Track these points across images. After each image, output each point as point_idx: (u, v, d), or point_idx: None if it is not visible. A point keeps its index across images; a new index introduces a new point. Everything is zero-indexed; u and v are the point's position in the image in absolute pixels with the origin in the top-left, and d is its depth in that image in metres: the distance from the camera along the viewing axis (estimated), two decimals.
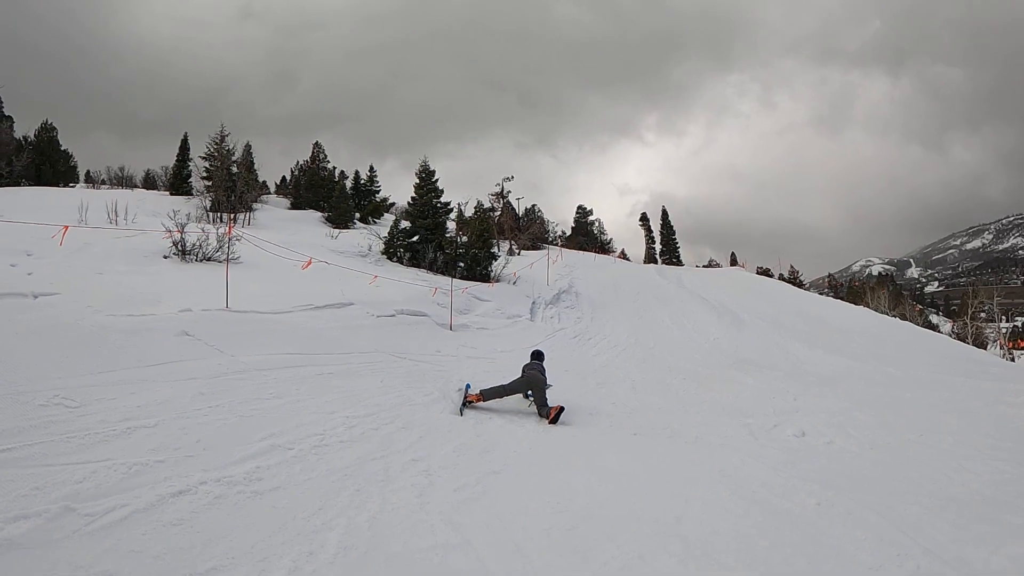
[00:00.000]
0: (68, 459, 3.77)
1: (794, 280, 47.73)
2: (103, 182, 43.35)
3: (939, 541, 3.68)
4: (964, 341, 25.34)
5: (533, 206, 46.17)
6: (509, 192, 36.96)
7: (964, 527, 3.92)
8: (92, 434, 4.20)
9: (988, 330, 35.18)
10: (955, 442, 6.13)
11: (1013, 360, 24.96)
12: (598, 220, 52.62)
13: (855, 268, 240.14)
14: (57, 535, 2.99)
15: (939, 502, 4.39)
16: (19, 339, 5.75)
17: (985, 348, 28.12)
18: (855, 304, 26.65)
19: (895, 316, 27.34)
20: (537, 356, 7.75)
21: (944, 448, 5.92)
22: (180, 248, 12.20)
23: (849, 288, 59.30)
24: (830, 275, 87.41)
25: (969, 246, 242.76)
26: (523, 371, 7.11)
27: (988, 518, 4.07)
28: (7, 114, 32.79)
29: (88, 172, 45.97)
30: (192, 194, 27.04)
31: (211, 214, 22.09)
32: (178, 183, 30.03)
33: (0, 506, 3.12)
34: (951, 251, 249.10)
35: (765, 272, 43.70)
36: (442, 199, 21.45)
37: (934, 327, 36.91)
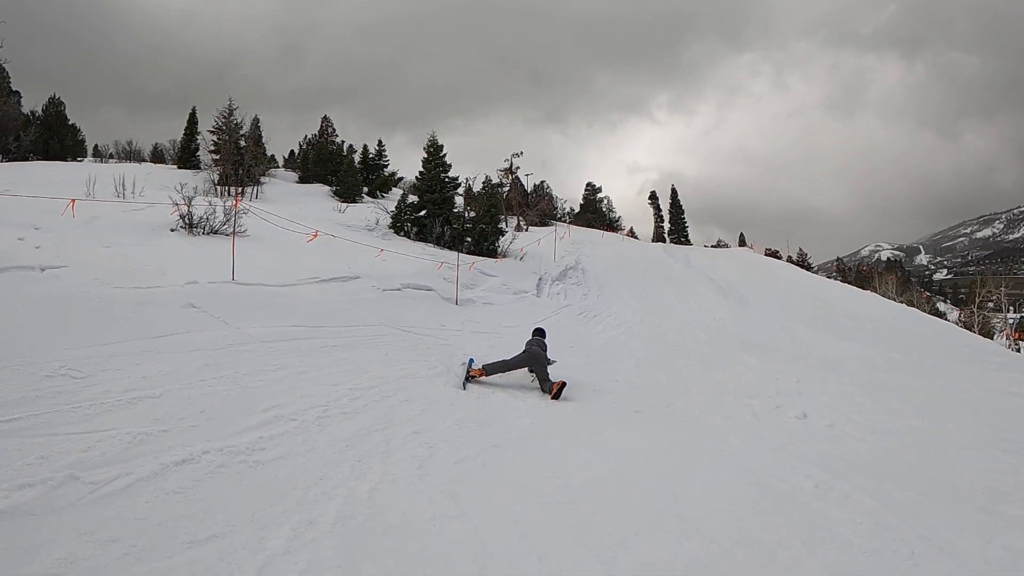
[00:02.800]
0: (73, 429, 3.82)
1: (802, 263, 47.42)
2: (111, 156, 43.36)
3: (935, 528, 3.68)
4: (970, 330, 25.15)
5: (542, 182, 45.98)
6: (518, 168, 36.73)
7: (961, 515, 3.91)
8: (97, 404, 4.24)
9: (995, 320, 34.89)
10: (956, 430, 6.10)
11: (1019, 351, 24.76)
12: (607, 198, 52.26)
13: (864, 253, 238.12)
14: (61, 503, 3.03)
15: (937, 489, 4.38)
16: (26, 311, 5.80)
17: (991, 338, 27.86)
18: (863, 289, 26.45)
19: (902, 302, 27.12)
20: (539, 333, 7.86)
21: (945, 436, 5.90)
22: (187, 221, 12.20)
23: (857, 273, 58.83)
24: (839, 259, 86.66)
25: (979, 235, 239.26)
26: (525, 347, 7.17)
27: (986, 508, 4.05)
28: (14, 89, 32.69)
29: (96, 146, 46.02)
30: (200, 168, 26.99)
31: (219, 188, 22.07)
32: (186, 157, 29.99)
33: (6, 474, 3.17)
34: (961, 239, 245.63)
35: (774, 254, 43.44)
36: (450, 174, 21.37)
37: (941, 315, 36.61)
